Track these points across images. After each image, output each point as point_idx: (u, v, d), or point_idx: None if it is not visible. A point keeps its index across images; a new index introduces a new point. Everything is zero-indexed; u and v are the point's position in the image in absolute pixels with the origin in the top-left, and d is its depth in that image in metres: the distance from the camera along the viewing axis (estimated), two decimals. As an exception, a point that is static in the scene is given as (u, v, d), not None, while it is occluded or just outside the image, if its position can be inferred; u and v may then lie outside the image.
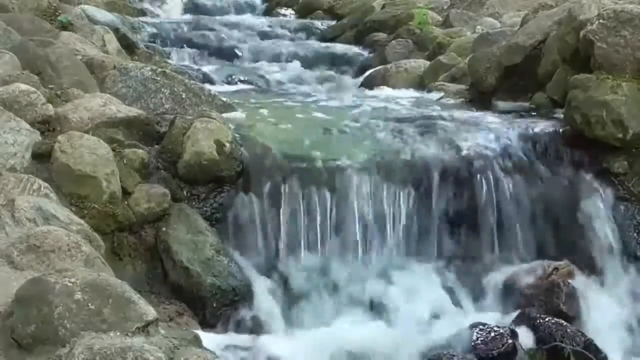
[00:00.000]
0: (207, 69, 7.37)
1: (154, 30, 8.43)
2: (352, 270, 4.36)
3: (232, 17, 9.89)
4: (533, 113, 5.32)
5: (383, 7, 9.09)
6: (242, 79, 7.26)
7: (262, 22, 9.51)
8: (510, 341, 3.99)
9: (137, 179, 4.25)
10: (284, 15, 10.50)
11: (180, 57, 7.82)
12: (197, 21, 9.19)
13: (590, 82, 4.76)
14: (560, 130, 4.91)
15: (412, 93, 6.30)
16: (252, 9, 10.95)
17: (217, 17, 9.73)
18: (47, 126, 4.32)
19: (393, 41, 8.02)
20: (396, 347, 3.98)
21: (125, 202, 4.15)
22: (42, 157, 4.08)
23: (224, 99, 5.25)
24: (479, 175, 4.60)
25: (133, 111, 4.59)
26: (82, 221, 3.66)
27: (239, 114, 5.10)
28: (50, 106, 4.38)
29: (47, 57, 4.96)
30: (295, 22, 9.69)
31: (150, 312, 2.84)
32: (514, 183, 4.63)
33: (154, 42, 8.08)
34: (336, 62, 8.10)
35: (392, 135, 4.82)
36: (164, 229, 4.18)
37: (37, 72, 4.78)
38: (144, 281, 4.10)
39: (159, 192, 4.22)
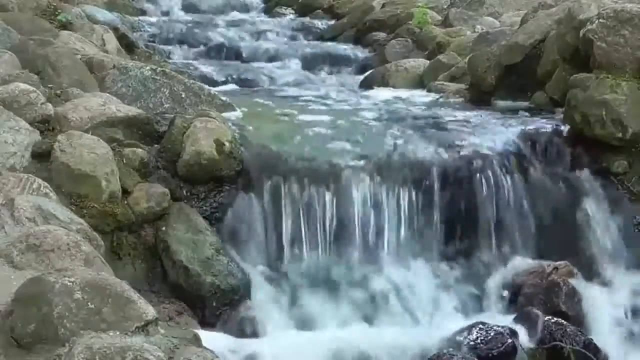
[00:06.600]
0: (206, 68, 7.36)
1: (154, 30, 8.42)
2: (352, 270, 4.36)
3: (232, 16, 9.88)
4: (533, 112, 5.32)
5: (383, 6, 9.08)
6: (241, 78, 7.25)
7: (261, 22, 9.51)
8: (510, 341, 3.99)
9: (136, 178, 4.25)
10: (284, 14, 10.47)
11: (179, 57, 7.81)
12: (196, 20, 9.19)
13: (589, 81, 4.77)
14: (560, 129, 4.91)
15: (411, 92, 6.30)
16: (251, 8, 10.93)
17: (217, 17, 9.72)
18: (47, 125, 4.31)
19: (393, 40, 8.01)
20: (396, 346, 3.98)
21: (125, 202, 4.15)
22: (41, 157, 4.08)
23: (224, 98, 5.25)
24: (478, 175, 4.60)
25: (133, 110, 4.59)
26: (81, 220, 3.65)
27: (238, 114, 5.10)
28: (49, 105, 4.37)
29: (46, 57, 4.96)
30: (295, 22, 9.67)
31: (150, 312, 2.84)
32: (513, 182, 4.62)
33: (153, 41, 8.08)
34: (336, 61, 8.08)
35: (392, 134, 4.82)
36: (163, 228, 4.18)
37: (37, 72, 4.78)
38: (144, 280, 4.10)
39: (159, 192, 4.22)
